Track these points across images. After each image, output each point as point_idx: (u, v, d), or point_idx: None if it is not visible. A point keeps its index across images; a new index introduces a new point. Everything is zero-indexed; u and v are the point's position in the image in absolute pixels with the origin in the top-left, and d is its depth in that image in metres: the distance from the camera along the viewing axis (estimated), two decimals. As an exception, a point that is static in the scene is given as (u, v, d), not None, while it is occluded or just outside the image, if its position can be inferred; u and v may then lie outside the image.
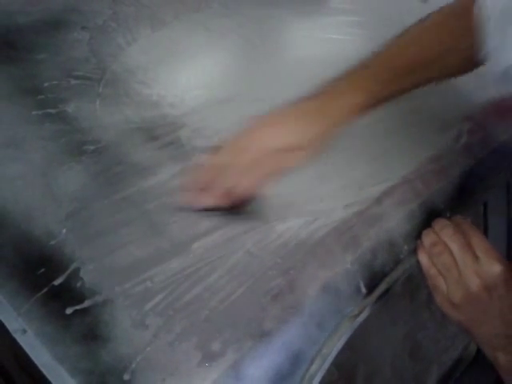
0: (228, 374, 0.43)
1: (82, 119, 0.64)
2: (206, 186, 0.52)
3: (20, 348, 1.24)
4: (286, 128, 0.52)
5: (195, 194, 0.53)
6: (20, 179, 0.57)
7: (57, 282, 0.48)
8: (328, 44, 0.81)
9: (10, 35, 0.79)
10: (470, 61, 0.56)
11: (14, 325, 0.47)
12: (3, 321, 0.49)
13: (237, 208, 0.53)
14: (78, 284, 0.48)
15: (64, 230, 0.52)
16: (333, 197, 0.56)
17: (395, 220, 0.55)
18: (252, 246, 0.52)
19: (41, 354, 0.46)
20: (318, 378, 0.48)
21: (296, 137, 0.52)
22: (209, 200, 0.52)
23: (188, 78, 0.73)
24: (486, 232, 0.75)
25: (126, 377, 0.42)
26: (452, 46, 0.55)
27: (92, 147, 0.60)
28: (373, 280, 0.52)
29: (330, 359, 0.49)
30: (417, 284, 1.55)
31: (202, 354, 0.44)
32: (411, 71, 0.54)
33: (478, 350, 0.87)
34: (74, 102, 0.67)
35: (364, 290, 0.51)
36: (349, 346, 1.48)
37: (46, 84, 0.69)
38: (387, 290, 0.53)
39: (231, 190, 0.51)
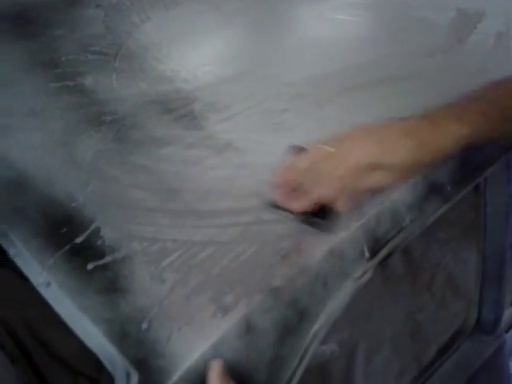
0: (239, 325, 0.47)
1: (99, 92, 0.67)
2: (297, 188, 0.52)
3: (33, 319, 1.28)
4: (377, 147, 0.50)
5: (286, 195, 0.53)
6: (41, 147, 0.60)
7: (78, 240, 0.51)
8: (337, 25, 0.83)
9: (26, 12, 0.82)
10: None
11: (38, 279, 0.51)
12: (28, 275, 0.52)
13: (324, 213, 0.53)
14: (99, 242, 0.51)
15: (84, 194, 0.55)
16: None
17: (399, 191, 0.58)
18: (260, 211, 0.54)
19: (64, 306, 0.49)
20: (322, 333, 0.51)
21: (385, 158, 0.50)
22: (301, 205, 0.52)
23: (200, 55, 0.75)
24: (485, 208, 0.77)
25: (144, 325, 0.46)
26: None
27: (110, 118, 0.63)
28: (376, 245, 0.55)
29: (334, 316, 0.52)
30: (419, 265, 1.58)
31: (215, 307, 0.47)
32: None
33: (478, 322, 0.90)
34: (91, 75, 0.69)
35: (367, 255, 0.54)
36: (350, 324, 1.52)
37: (63, 58, 0.72)
38: (389, 255, 0.56)
39: (314, 195, 0.51)
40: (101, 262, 0.50)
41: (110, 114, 0.63)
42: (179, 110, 0.65)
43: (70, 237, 0.51)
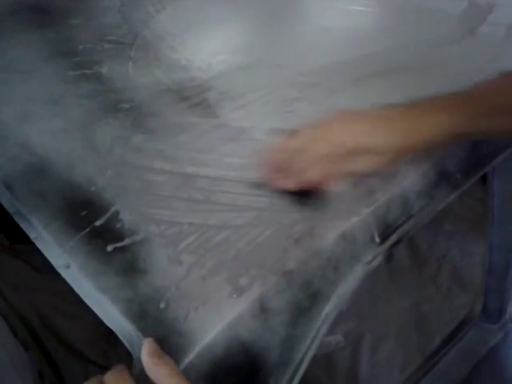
0: (254, 305, 0.48)
1: (115, 80, 0.68)
2: (283, 168, 0.54)
3: (43, 308, 1.30)
4: (367, 130, 0.51)
5: (272, 175, 0.55)
6: (61, 133, 0.61)
7: (98, 223, 0.53)
8: (349, 15, 0.84)
9: (43, 1, 0.83)
10: None
11: (58, 261, 0.52)
12: (48, 257, 0.54)
13: (303, 194, 0.55)
14: (118, 225, 0.53)
15: (103, 178, 0.57)
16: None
17: (409, 178, 0.59)
18: (275, 196, 0.56)
19: (84, 286, 0.51)
20: (332, 315, 0.53)
21: (376, 141, 0.51)
22: (286, 184, 0.54)
23: (214, 43, 0.77)
24: (492, 198, 0.78)
25: (162, 305, 0.47)
26: None
27: (127, 105, 0.64)
28: (386, 231, 0.57)
29: (345, 299, 0.53)
30: (425, 258, 1.59)
31: (231, 287, 0.49)
32: (507, 112, 0.53)
33: (483, 310, 0.91)
34: (108, 64, 0.71)
35: (377, 240, 0.56)
36: (356, 315, 1.54)
37: (80, 47, 0.74)
38: (398, 241, 0.57)
39: (301, 175, 0.53)
40: (120, 244, 0.51)
41: (126, 101, 0.65)
42: (194, 98, 0.66)
43: (90, 220, 0.53)
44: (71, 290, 1.54)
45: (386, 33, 0.82)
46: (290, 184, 0.54)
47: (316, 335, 0.51)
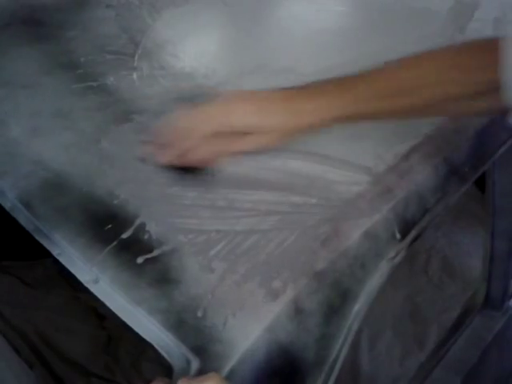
0: (289, 307, 0.49)
1: (122, 91, 0.68)
2: (166, 143, 0.57)
3: (41, 324, 1.28)
4: (257, 109, 0.54)
5: (155, 150, 0.57)
6: (74, 146, 0.61)
7: (125, 236, 0.53)
8: (339, 16, 0.86)
9: (36, 14, 0.82)
10: (483, 99, 0.54)
11: (85, 276, 0.52)
12: (75, 273, 0.53)
13: (190, 170, 0.58)
14: (146, 236, 0.53)
15: (124, 191, 0.56)
16: (364, 153, 0.62)
17: (422, 174, 0.61)
18: (296, 198, 0.57)
19: (115, 300, 0.50)
20: (362, 312, 0.54)
21: (260, 120, 0.54)
22: (165, 158, 0.57)
23: (214, 50, 0.77)
24: (493, 187, 0.81)
25: (200, 314, 0.48)
26: (457, 79, 0.54)
27: (138, 116, 0.64)
28: (405, 227, 0.58)
29: (373, 296, 0.54)
30: (415, 250, 1.63)
31: (265, 291, 0.49)
32: (402, 93, 0.54)
33: (486, 298, 0.94)
34: (112, 75, 0.71)
35: (398, 236, 0.57)
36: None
37: (82, 59, 0.73)
38: (417, 237, 0.59)
39: (187, 154, 0.55)
40: (150, 255, 0.51)
41: (137, 112, 0.65)
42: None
43: (116, 233, 0.53)
44: (66, 304, 1.51)
45: (377, 33, 0.84)
46: (171, 158, 0.57)
47: (348, 333, 0.52)
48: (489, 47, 0.53)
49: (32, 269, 1.48)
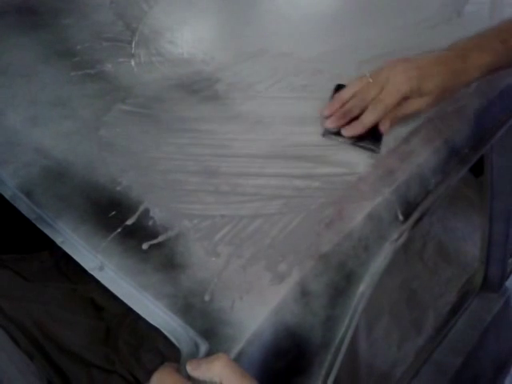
0: (295, 290, 0.49)
1: (121, 78, 0.68)
2: (351, 115, 0.59)
3: (39, 316, 1.27)
4: (416, 75, 0.58)
5: (345, 123, 0.59)
6: (75, 134, 0.60)
7: (129, 222, 0.53)
8: (337, 1, 0.86)
9: (30, 2, 0.81)
10: None
11: (90, 263, 0.52)
12: (79, 261, 0.53)
13: (373, 136, 0.60)
14: (150, 222, 0.52)
15: (127, 177, 0.56)
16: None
17: (423, 156, 0.61)
18: (299, 182, 0.57)
19: (121, 286, 0.50)
20: (367, 294, 0.54)
21: (423, 84, 0.58)
22: (356, 130, 0.59)
23: (213, 36, 0.77)
24: (491, 170, 0.81)
25: (207, 297, 0.48)
26: None
27: (138, 102, 0.64)
28: (407, 209, 0.58)
29: (377, 278, 0.55)
30: (410, 235, 1.64)
31: (271, 275, 0.49)
32: None
33: (484, 280, 0.95)
34: (110, 62, 0.70)
35: (401, 218, 0.57)
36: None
37: (78, 47, 0.72)
38: (420, 218, 0.59)
39: (367, 123, 0.59)
40: (155, 241, 0.51)
41: (137, 98, 0.64)
42: (204, 91, 0.66)
43: (121, 219, 0.53)
44: (63, 296, 1.51)
45: (377, 16, 0.84)
46: (354, 130, 0.59)
47: (353, 315, 0.53)
48: None
49: (28, 262, 1.48)
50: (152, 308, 0.48)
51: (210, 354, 0.45)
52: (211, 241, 0.51)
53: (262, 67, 0.70)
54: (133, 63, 0.70)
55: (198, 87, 0.67)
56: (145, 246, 0.51)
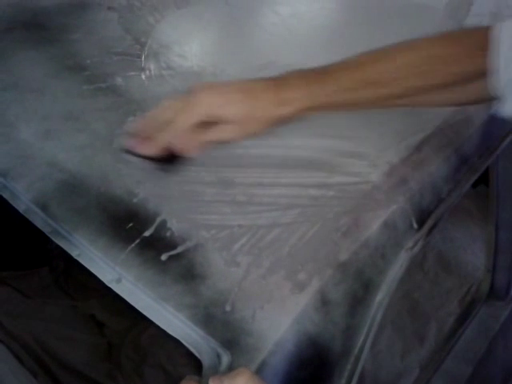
0: (316, 299, 0.49)
1: (133, 91, 0.68)
2: (148, 136, 0.57)
3: (39, 333, 1.26)
4: (236, 99, 0.55)
5: (138, 142, 0.57)
6: (89, 147, 0.61)
7: (147, 234, 0.53)
8: (339, 13, 0.87)
9: (38, 18, 0.82)
10: (467, 88, 0.56)
11: (108, 276, 0.52)
12: (96, 274, 0.53)
13: (173, 160, 0.58)
14: (168, 234, 0.52)
15: (143, 189, 0.56)
16: (377, 143, 0.62)
17: (435, 164, 0.62)
18: (314, 191, 0.57)
19: (139, 298, 0.50)
20: (384, 303, 0.54)
21: (236, 111, 0.55)
22: (149, 150, 0.57)
23: (220, 49, 0.78)
24: (497, 179, 0.82)
25: (228, 308, 0.48)
26: (438, 69, 0.55)
27: (150, 115, 0.64)
28: (421, 217, 0.59)
29: (394, 286, 0.55)
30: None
31: (291, 284, 0.49)
32: (381, 84, 0.56)
33: (491, 288, 0.96)
34: (121, 76, 0.70)
35: (416, 226, 0.58)
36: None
37: (88, 61, 0.73)
38: (434, 226, 0.60)
39: (169, 146, 0.56)
40: (174, 252, 0.51)
41: (148, 111, 0.64)
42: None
43: (138, 231, 0.53)
44: (63, 313, 1.49)
45: (377, 29, 0.85)
46: (151, 150, 0.57)
47: (372, 323, 0.53)
48: (473, 36, 0.55)
49: (28, 278, 1.47)
50: (172, 319, 0.48)
51: (232, 364, 0.45)
52: (230, 251, 0.51)
53: (271, 79, 0.71)
54: (143, 77, 0.70)
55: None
56: (164, 257, 0.51)
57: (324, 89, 0.56)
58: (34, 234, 1.32)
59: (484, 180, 0.97)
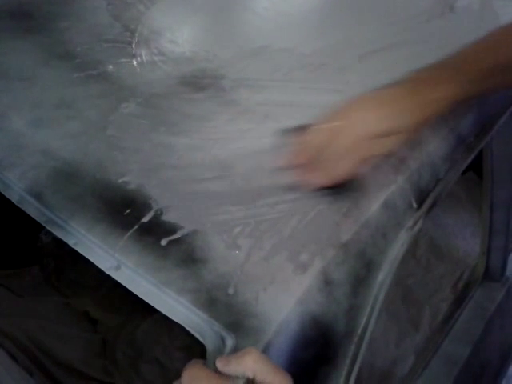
0: (319, 279, 0.49)
1: (125, 78, 0.67)
2: (306, 166, 0.54)
3: (33, 332, 1.25)
4: (384, 113, 0.53)
5: (301, 175, 0.54)
6: (83, 135, 0.59)
7: (145, 220, 0.52)
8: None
9: (24, 7, 0.80)
10: None
11: (106, 263, 0.51)
12: (94, 262, 0.52)
13: (336, 188, 0.55)
14: (166, 219, 0.52)
15: (139, 176, 0.55)
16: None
17: (432, 144, 0.62)
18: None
19: (140, 285, 0.49)
20: (386, 283, 0.54)
21: (396, 121, 0.52)
22: (317, 182, 0.54)
23: (213, 34, 0.77)
24: (491, 160, 0.83)
25: (231, 291, 0.47)
26: None
27: (144, 101, 0.63)
28: (420, 197, 0.59)
29: (395, 266, 0.55)
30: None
31: (293, 265, 0.49)
32: (500, 72, 0.56)
33: (486, 270, 0.96)
34: (112, 63, 0.69)
35: (415, 205, 0.58)
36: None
37: (78, 49, 0.71)
38: (433, 205, 0.60)
39: (331, 172, 0.53)
40: (173, 236, 0.50)
41: (142, 97, 0.64)
42: (209, 88, 0.66)
43: (136, 217, 0.52)
44: (56, 311, 1.48)
45: (372, 11, 0.85)
46: (324, 180, 0.54)
47: (375, 304, 0.53)
48: None
49: (18, 277, 1.45)
50: (174, 304, 0.47)
51: (236, 347, 0.45)
52: (230, 234, 0.51)
53: (266, 63, 0.70)
54: (135, 63, 0.69)
55: (203, 84, 0.66)
56: (163, 243, 0.50)
57: (460, 84, 0.55)
58: (23, 233, 1.31)
59: (473, 167, 0.98)
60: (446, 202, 1.75)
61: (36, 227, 1.29)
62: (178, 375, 0.42)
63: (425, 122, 0.55)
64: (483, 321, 0.95)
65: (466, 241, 1.66)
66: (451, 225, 1.73)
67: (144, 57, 0.70)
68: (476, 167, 1.09)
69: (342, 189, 0.55)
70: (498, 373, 0.91)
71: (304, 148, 0.54)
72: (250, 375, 0.40)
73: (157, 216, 0.52)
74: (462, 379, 0.86)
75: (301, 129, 0.55)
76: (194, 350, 1.22)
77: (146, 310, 1.26)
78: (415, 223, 0.57)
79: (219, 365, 0.41)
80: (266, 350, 0.45)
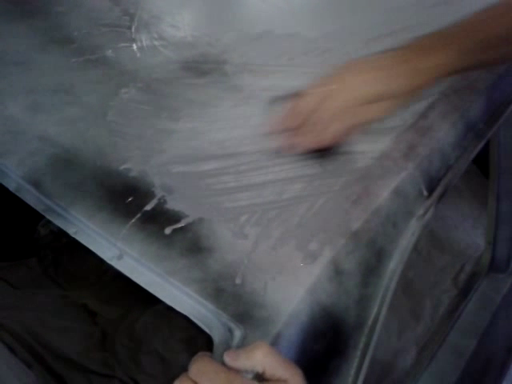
0: (328, 269, 0.47)
1: (124, 62, 0.65)
2: (296, 129, 0.53)
3: (32, 324, 1.23)
4: (378, 76, 0.52)
5: (289, 138, 0.53)
6: (82, 120, 0.57)
7: (148, 208, 0.50)
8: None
9: (20, -9, 0.77)
10: None
11: (108, 252, 0.49)
12: (96, 251, 0.50)
13: (323, 151, 0.54)
14: (170, 207, 0.50)
15: (140, 162, 0.53)
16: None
17: (442, 130, 0.60)
18: (321, 161, 0.55)
19: (143, 275, 0.47)
20: (397, 272, 0.52)
21: (387, 86, 0.51)
22: (304, 144, 0.53)
23: (214, 19, 0.74)
24: (498, 148, 0.81)
25: (238, 280, 0.45)
26: None
27: (144, 86, 0.61)
28: (431, 184, 0.57)
29: (406, 255, 0.53)
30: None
31: (302, 254, 0.47)
32: (500, 44, 0.55)
33: (492, 261, 0.95)
34: (111, 47, 0.67)
35: (425, 193, 0.56)
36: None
37: (75, 33, 0.69)
38: (443, 193, 0.58)
39: (320, 135, 0.52)
40: (178, 225, 0.48)
41: (142, 82, 0.62)
42: (212, 73, 0.64)
43: (139, 205, 0.50)
44: (54, 303, 1.46)
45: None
46: (311, 143, 0.53)
47: (385, 293, 0.51)
48: None
49: (16, 269, 1.43)
50: (179, 295, 0.46)
51: (245, 338, 0.43)
52: (237, 222, 0.49)
53: (269, 48, 0.68)
54: (135, 47, 0.67)
55: (206, 69, 0.64)
56: (167, 231, 0.48)
57: (453, 54, 0.53)
58: (20, 225, 1.29)
59: (473, 159, 0.96)
60: (446, 195, 1.74)
61: (34, 219, 1.28)
62: (184, 369, 0.41)
63: (414, 90, 0.54)
64: (489, 313, 0.94)
65: (467, 233, 1.65)
66: (451, 217, 1.72)
67: (144, 41, 0.68)
68: (476, 158, 1.08)
69: (328, 152, 0.54)
70: (504, 364, 0.90)
71: (294, 112, 0.53)
72: (260, 370, 0.38)
73: (160, 204, 0.50)
74: (468, 371, 0.85)
75: (293, 95, 0.54)
76: (195, 342, 1.21)
77: (146, 302, 1.25)
78: (426, 212, 0.56)
79: (228, 359, 0.40)
80: (275, 342, 0.43)
